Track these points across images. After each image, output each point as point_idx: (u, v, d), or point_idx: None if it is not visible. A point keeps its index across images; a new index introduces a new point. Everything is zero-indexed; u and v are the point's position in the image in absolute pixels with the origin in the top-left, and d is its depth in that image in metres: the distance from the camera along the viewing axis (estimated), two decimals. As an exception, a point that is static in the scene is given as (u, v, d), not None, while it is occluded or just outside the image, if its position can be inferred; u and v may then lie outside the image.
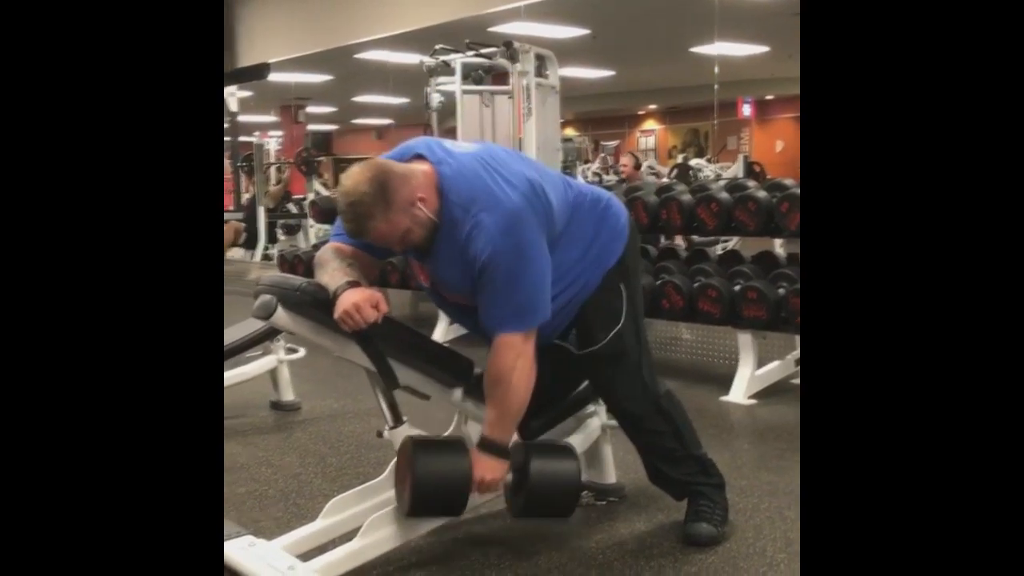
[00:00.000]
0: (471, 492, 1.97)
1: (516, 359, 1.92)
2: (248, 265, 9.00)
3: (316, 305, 1.90)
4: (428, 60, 5.61)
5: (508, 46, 5.35)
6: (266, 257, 9.30)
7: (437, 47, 5.61)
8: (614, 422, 2.38)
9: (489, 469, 1.97)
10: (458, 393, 2.14)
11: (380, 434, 2.06)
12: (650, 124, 18.14)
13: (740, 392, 3.66)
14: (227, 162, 10.83)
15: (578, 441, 2.38)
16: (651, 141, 17.94)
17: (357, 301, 1.83)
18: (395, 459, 2.04)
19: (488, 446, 1.98)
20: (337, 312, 1.84)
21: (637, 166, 8.14)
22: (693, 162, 11.09)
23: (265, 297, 1.91)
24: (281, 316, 1.91)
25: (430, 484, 1.92)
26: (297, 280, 1.97)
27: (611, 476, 2.53)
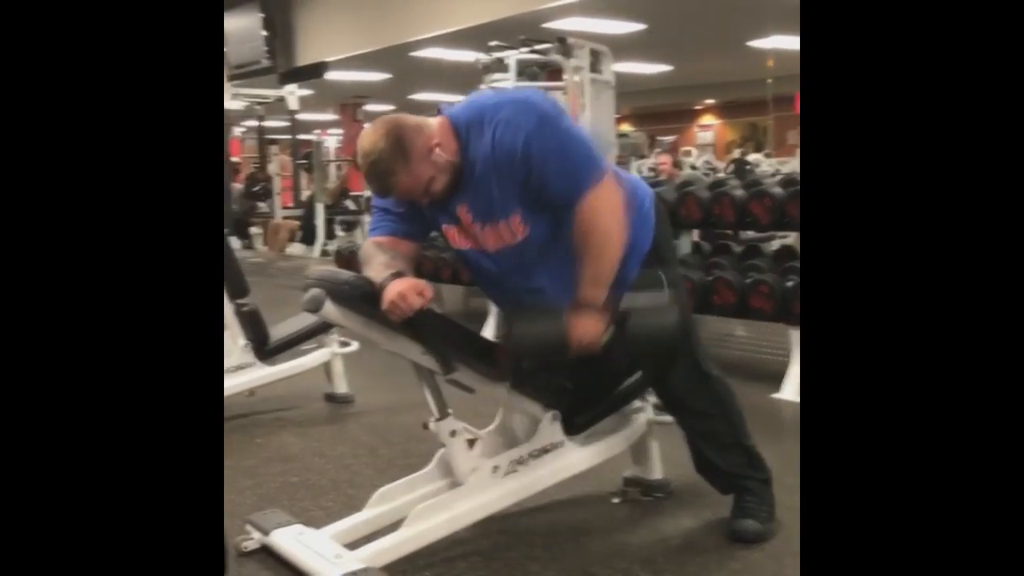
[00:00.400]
0: (572, 348, 1.96)
1: (602, 206, 1.90)
2: (307, 261, 9.14)
3: (363, 299, 1.94)
4: (483, 57, 5.64)
5: (562, 42, 5.35)
6: (324, 253, 9.45)
7: (492, 44, 5.63)
8: (661, 417, 2.38)
9: (587, 328, 1.95)
10: (503, 387, 2.16)
11: (426, 426, 2.09)
12: (708, 119, 17.96)
13: (792, 389, 3.61)
14: (287, 159, 11.02)
15: (624, 437, 2.38)
16: (709, 136, 17.77)
17: (402, 290, 1.86)
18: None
19: (585, 304, 1.95)
20: (384, 303, 1.87)
21: (676, 164, 8.10)
22: (751, 157, 10.96)
23: (314, 291, 1.96)
24: (330, 309, 1.95)
25: (530, 330, 1.97)
26: (345, 274, 2.01)
27: (657, 472, 2.52)
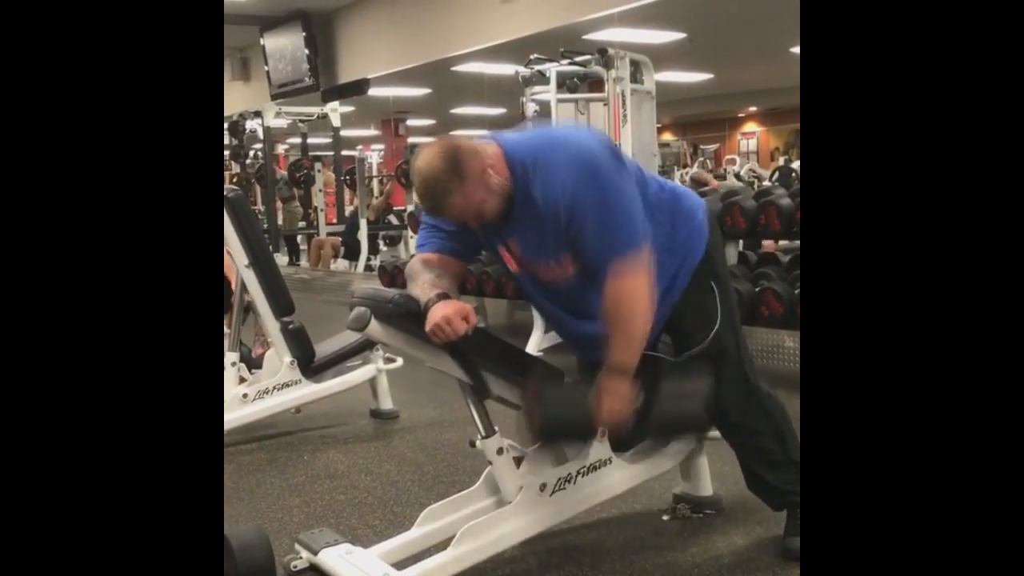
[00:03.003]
0: (599, 423, 1.99)
1: (632, 279, 1.89)
2: (351, 276, 9.20)
3: (408, 317, 1.93)
4: (523, 70, 5.63)
5: (603, 53, 5.32)
6: (368, 268, 9.50)
7: (532, 57, 5.62)
8: (710, 433, 2.34)
9: (616, 396, 1.95)
10: (550, 403, 2.13)
11: (473, 444, 2.07)
12: (750, 126, 17.80)
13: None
14: (331, 175, 11.12)
15: (673, 453, 2.35)
16: (752, 143, 17.60)
17: (448, 314, 1.85)
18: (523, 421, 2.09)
19: (615, 369, 1.95)
20: (429, 325, 1.86)
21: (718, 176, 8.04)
22: (796, 164, 10.83)
23: (359, 309, 1.96)
24: (375, 328, 1.95)
25: (557, 409, 1.98)
26: (390, 292, 2.01)
27: (707, 488, 2.48)
